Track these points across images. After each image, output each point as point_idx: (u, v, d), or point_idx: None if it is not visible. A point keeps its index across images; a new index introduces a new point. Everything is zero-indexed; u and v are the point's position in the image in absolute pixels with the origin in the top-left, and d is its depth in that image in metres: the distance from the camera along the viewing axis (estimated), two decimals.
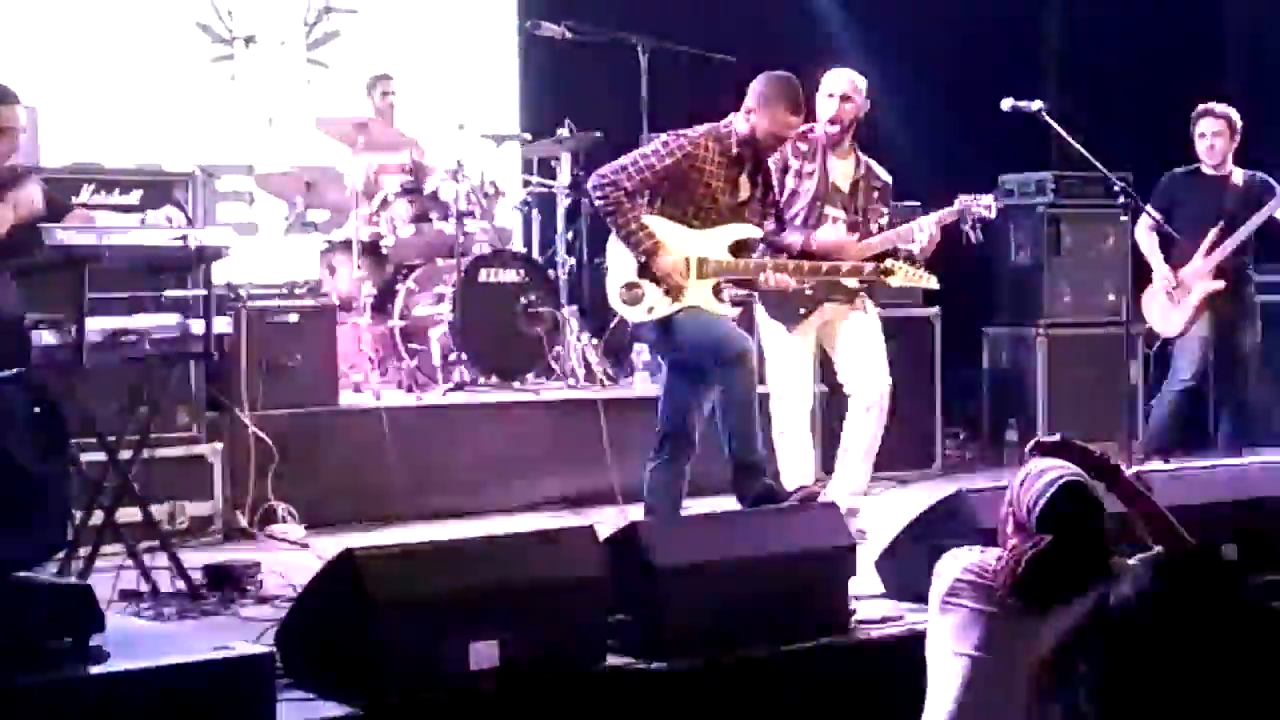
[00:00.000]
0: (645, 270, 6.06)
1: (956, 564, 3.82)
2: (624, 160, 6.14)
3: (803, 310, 6.71)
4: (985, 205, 6.82)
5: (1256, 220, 8.00)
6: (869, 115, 6.91)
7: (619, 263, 6.12)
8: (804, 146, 6.75)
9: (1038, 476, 3.78)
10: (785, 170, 6.72)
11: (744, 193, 6.23)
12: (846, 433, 6.78)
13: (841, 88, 6.77)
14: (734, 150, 6.16)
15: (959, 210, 6.78)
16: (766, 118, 6.15)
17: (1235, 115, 8.13)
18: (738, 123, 6.20)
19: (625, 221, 6.05)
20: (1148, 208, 7.94)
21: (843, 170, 6.82)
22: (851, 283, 6.67)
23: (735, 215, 6.19)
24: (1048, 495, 3.71)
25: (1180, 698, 1.44)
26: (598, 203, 6.17)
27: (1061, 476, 3.77)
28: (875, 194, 6.88)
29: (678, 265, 6.03)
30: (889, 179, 7.00)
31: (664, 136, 6.28)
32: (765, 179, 6.36)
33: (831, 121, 6.73)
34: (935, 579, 3.86)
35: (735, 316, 6.39)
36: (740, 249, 6.19)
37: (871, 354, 6.78)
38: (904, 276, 6.50)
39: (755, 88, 6.21)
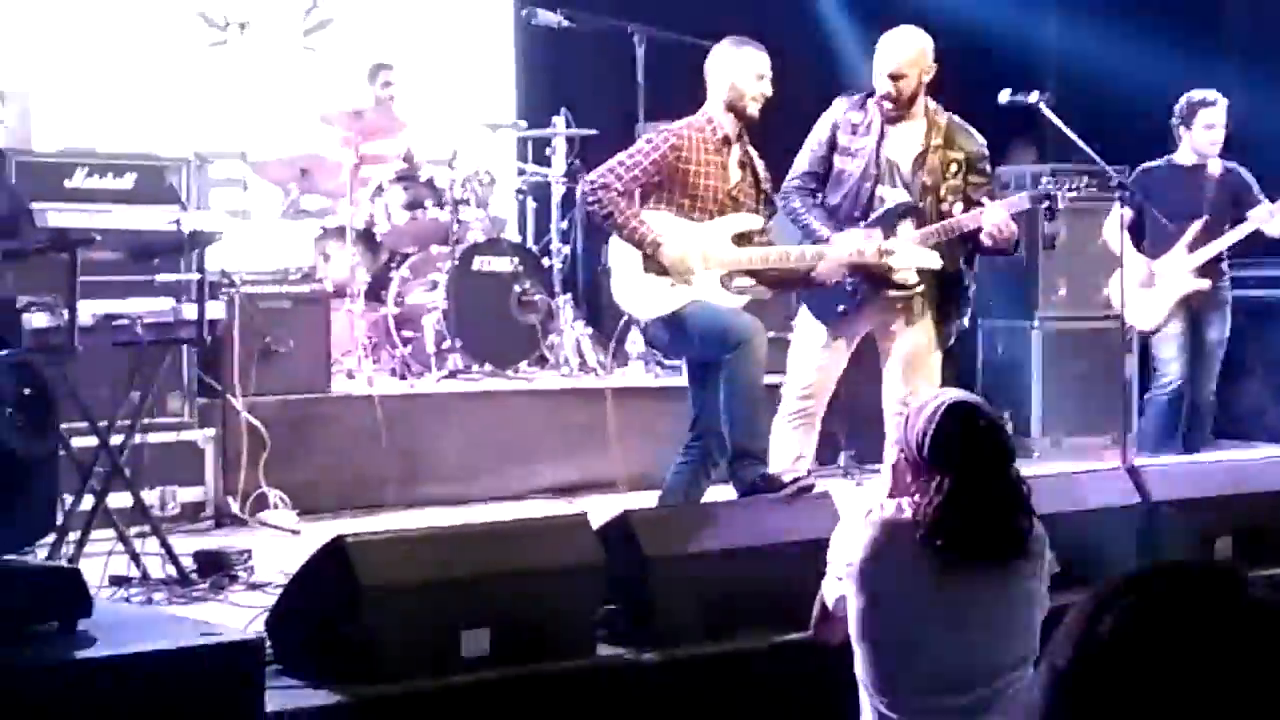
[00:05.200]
0: (651, 265, 5.97)
1: (867, 524, 3.57)
2: (611, 163, 6.00)
3: (842, 308, 6.15)
4: (1063, 190, 6.38)
5: (1251, 224, 7.85)
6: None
7: (623, 262, 6.03)
8: (857, 119, 6.17)
9: (920, 409, 3.59)
10: (834, 148, 6.20)
11: (734, 177, 6.11)
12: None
13: (890, 65, 6.09)
14: (719, 133, 6.03)
15: (1035, 195, 6.27)
16: (746, 75, 6.01)
17: (1226, 105, 7.99)
18: (714, 105, 6.07)
19: (624, 221, 5.92)
20: (1117, 204, 7.75)
21: (905, 140, 6.15)
22: (909, 277, 6.05)
23: (733, 204, 6.07)
24: (935, 422, 3.52)
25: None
26: (592, 208, 6.04)
27: (944, 401, 3.58)
28: (954, 167, 6.11)
29: (685, 254, 5.95)
30: (982, 146, 6.20)
31: (647, 134, 6.21)
32: (752, 163, 6.16)
33: (886, 99, 6.09)
34: (845, 543, 3.61)
35: (743, 306, 6.17)
36: (743, 239, 6.09)
37: (919, 382, 6.10)
38: (904, 256, 5.99)
39: (724, 56, 6.06)
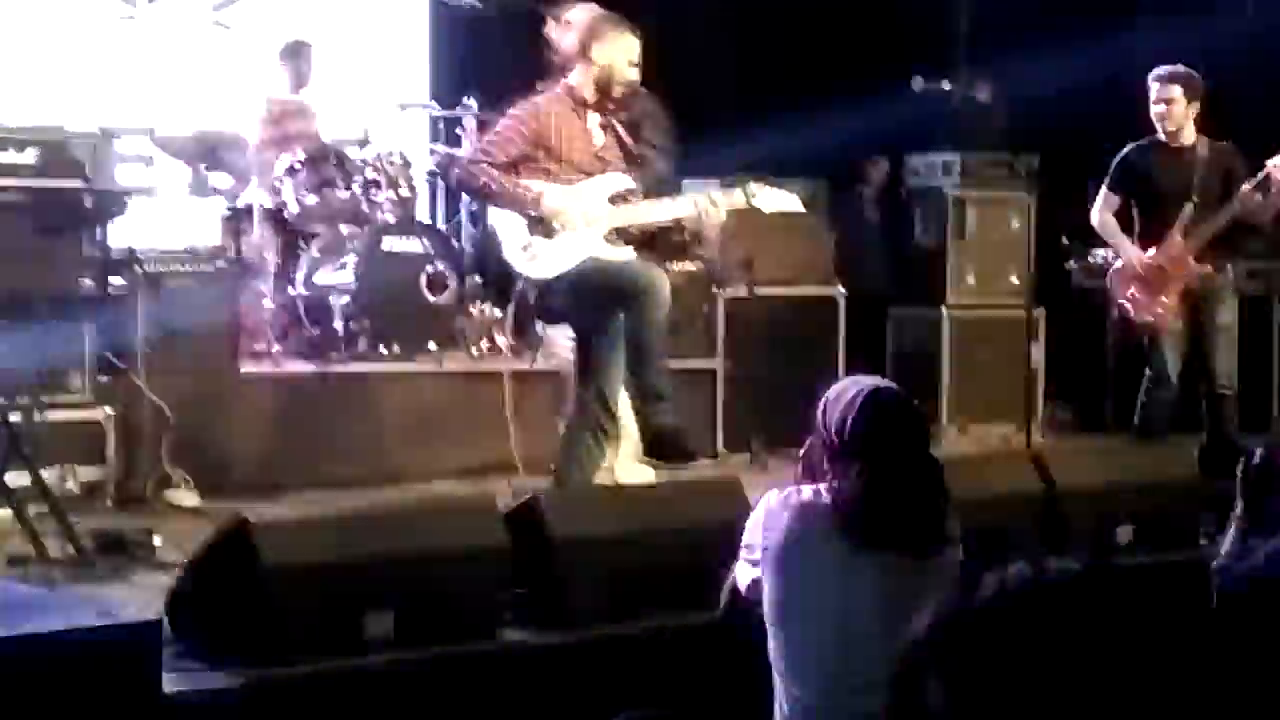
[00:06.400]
0: (537, 226, 6.03)
1: (784, 508, 3.53)
2: (480, 144, 6.19)
3: None
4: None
5: (1236, 207, 7.30)
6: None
7: (509, 227, 6.10)
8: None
9: (839, 395, 3.55)
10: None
11: (598, 140, 6.20)
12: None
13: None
14: (578, 98, 6.14)
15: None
16: (621, 60, 6.15)
17: (1194, 79, 7.40)
18: (579, 76, 6.17)
19: (500, 189, 6.04)
20: (1104, 190, 7.50)
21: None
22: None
23: (601, 165, 6.16)
24: (855, 408, 3.49)
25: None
26: (470, 188, 6.26)
27: (863, 387, 3.54)
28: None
29: (566, 207, 6.03)
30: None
31: (510, 110, 6.25)
32: (615, 126, 6.29)
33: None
34: (761, 526, 3.56)
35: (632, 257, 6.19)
36: (618, 199, 6.18)
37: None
38: (768, 199, 6.17)
39: (601, 36, 6.15)
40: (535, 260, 6.06)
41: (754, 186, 6.18)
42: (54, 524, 5.47)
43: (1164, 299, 7.42)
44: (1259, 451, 3.98)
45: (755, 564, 3.59)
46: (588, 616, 4.81)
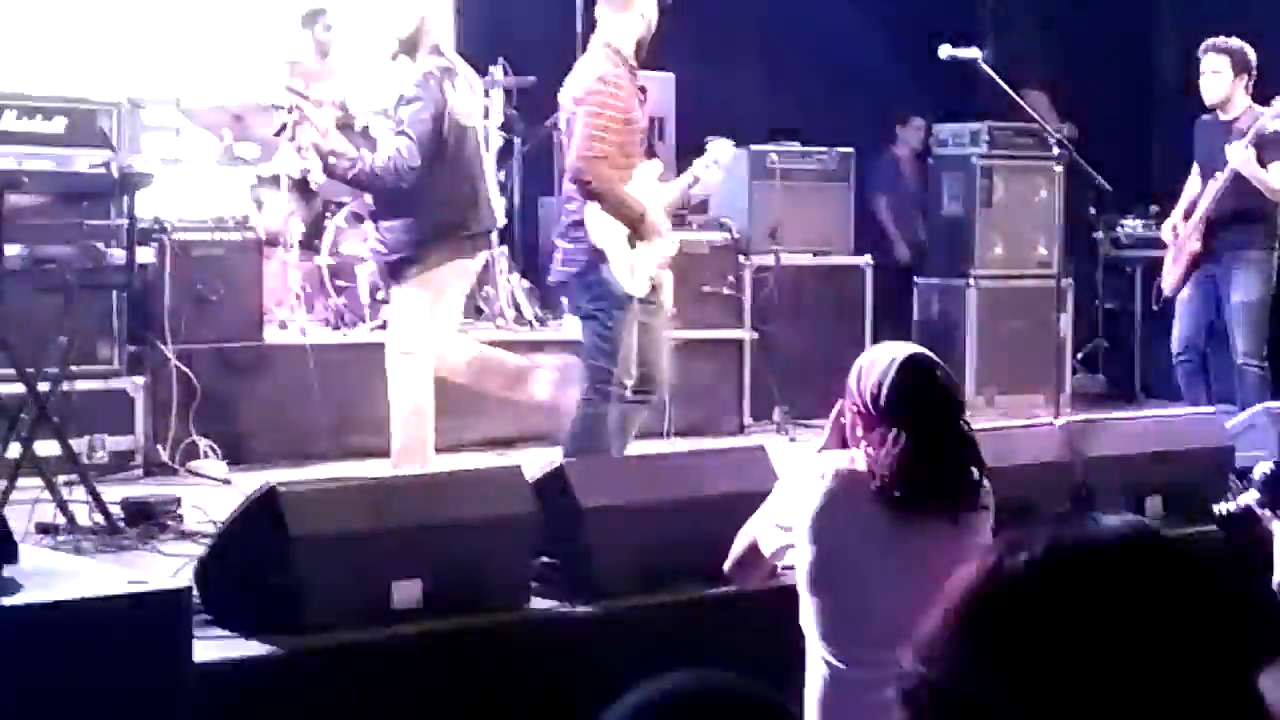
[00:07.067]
0: (632, 239, 5.98)
1: (819, 475, 3.49)
2: (584, 134, 5.84)
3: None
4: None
5: (1228, 175, 7.35)
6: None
7: (615, 248, 5.98)
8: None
9: (872, 362, 3.52)
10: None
11: (637, 104, 6.18)
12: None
13: None
14: (628, 63, 6.05)
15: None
16: (653, 13, 6.09)
17: (1241, 50, 7.41)
18: (621, 35, 6.03)
19: (616, 197, 5.90)
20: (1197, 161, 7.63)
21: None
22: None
23: (643, 133, 6.19)
24: (891, 374, 3.46)
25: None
26: (589, 187, 5.87)
27: (898, 353, 3.52)
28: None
29: (654, 211, 6.03)
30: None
31: (591, 87, 5.94)
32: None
33: None
34: (795, 494, 3.54)
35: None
36: (660, 180, 6.24)
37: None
38: (718, 148, 6.34)
39: None
40: (636, 276, 6.02)
41: (712, 142, 6.34)
42: (83, 493, 5.49)
43: (1177, 268, 7.57)
44: (1270, 464, 3.96)
45: (786, 530, 3.58)
46: (615, 585, 4.81)
